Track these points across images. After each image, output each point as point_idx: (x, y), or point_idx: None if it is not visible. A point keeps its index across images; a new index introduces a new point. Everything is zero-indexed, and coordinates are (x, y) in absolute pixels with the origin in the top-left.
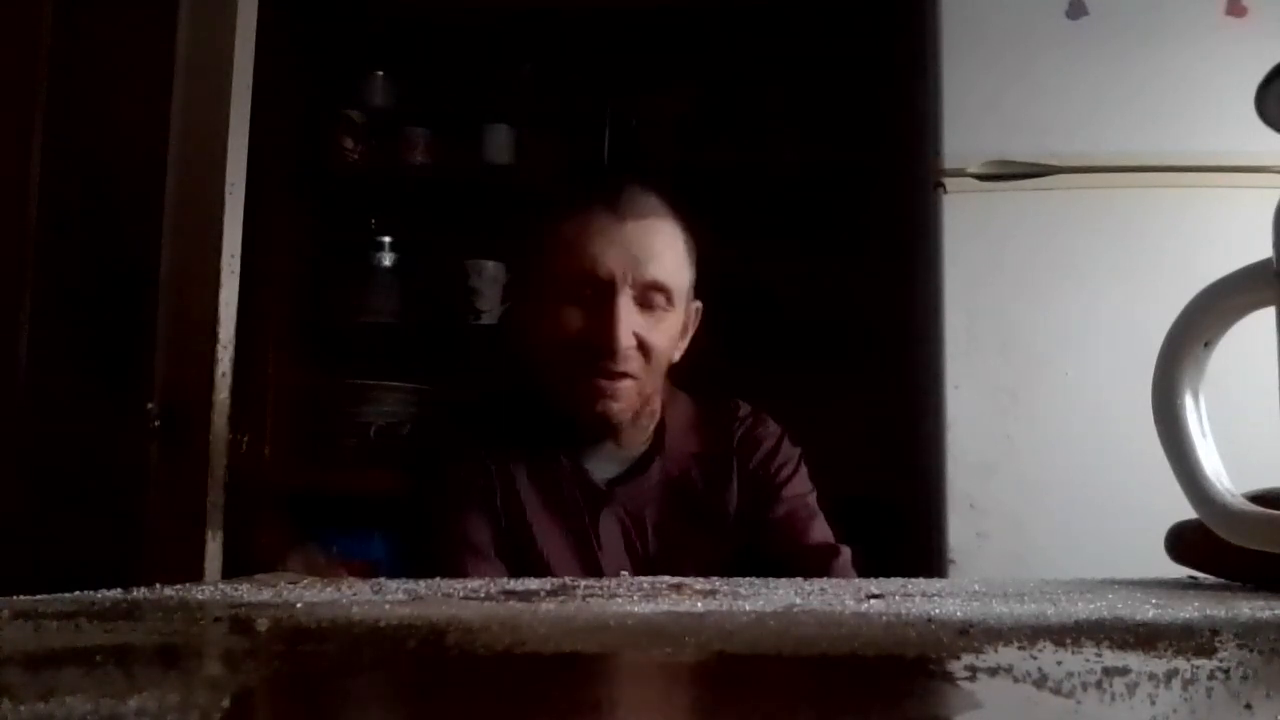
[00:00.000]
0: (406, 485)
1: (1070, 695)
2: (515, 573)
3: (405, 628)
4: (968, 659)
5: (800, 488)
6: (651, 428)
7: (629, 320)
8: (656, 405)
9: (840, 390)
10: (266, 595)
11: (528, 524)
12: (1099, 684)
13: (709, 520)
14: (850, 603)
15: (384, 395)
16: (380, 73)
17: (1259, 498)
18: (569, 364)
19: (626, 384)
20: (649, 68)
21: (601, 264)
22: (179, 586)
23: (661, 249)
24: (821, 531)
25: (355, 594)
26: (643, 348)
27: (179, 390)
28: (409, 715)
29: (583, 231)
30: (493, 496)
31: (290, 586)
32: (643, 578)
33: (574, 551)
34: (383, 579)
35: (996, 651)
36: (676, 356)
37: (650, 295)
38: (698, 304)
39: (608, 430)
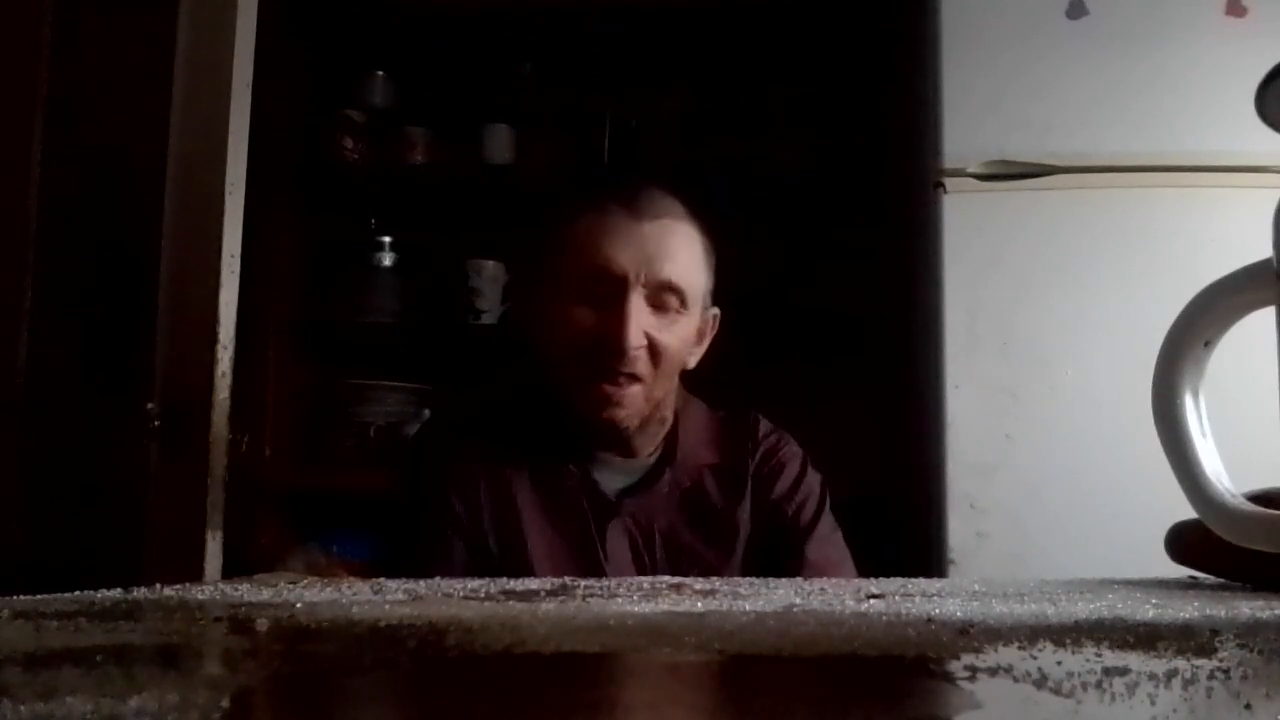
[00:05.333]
0: (395, 504)
1: (1070, 695)
2: None
3: (405, 628)
4: (968, 659)
5: (826, 528)
6: (662, 435)
7: (640, 319)
8: (668, 411)
9: (840, 390)
10: (266, 595)
11: (523, 537)
12: (1099, 684)
13: (720, 534)
14: (850, 603)
15: (384, 395)
16: (380, 73)
17: (1259, 498)
18: (577, 365)
19: (634, 390)
20: (649, 68)
21: (615, 261)
22: (179, 586)
23: (677, 250)
24: (850, 575)
25: (355, 594)
26: (653, 349)
27: (179, 390)
28: (409, 715)
29: (598, 229)
30: (479, 518)
31: (290, 586)
32: (643, 578)
33: (576, 563)
34: (383, 579)
35: (996, 651)
36: (692, 363)
37: (663, 296)
38: (715, 311)
39: (615, 437)
